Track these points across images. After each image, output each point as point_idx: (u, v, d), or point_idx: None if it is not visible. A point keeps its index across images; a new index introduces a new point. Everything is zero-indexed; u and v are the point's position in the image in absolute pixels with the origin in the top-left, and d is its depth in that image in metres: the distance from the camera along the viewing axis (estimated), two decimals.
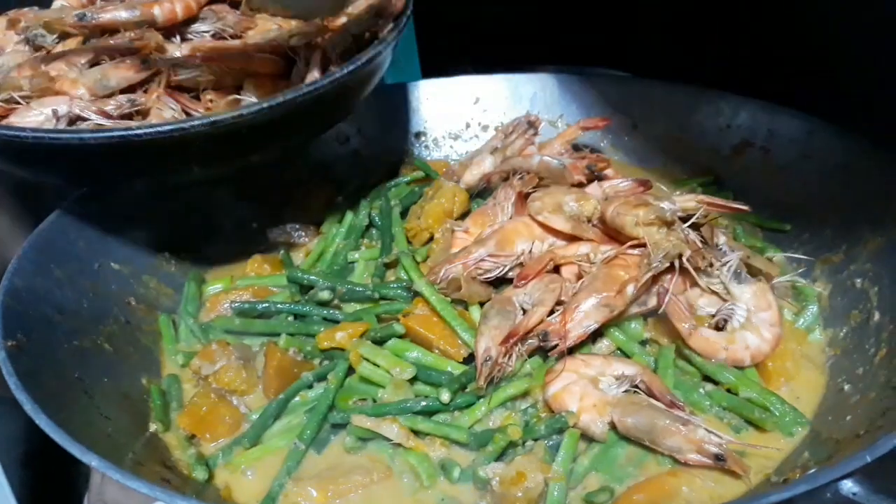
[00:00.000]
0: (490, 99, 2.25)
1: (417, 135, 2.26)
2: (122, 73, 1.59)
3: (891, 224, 1.51)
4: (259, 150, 1.57)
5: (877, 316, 1.44)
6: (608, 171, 1.82)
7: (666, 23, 2.29)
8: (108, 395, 1.35)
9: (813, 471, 1.02)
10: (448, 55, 2.63)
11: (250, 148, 1.53)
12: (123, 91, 1.61)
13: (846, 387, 1.36)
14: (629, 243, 1.42)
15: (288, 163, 2.04)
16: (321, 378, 1.45)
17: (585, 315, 1.36)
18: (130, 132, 1.31)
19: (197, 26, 1.77)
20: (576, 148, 2.01)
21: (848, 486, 0.98)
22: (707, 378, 1.40)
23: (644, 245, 1.39)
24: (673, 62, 2.27)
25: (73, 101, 1.54)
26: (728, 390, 1.36)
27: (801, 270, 1.60)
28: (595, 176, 1.78)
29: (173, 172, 1.56)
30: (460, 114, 2.27)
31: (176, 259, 1.81)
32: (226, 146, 1.46)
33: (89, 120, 1.52)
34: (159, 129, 1.31)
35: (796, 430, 1.30)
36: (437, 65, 2.43)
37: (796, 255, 1.62)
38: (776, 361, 1.41)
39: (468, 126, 2.27)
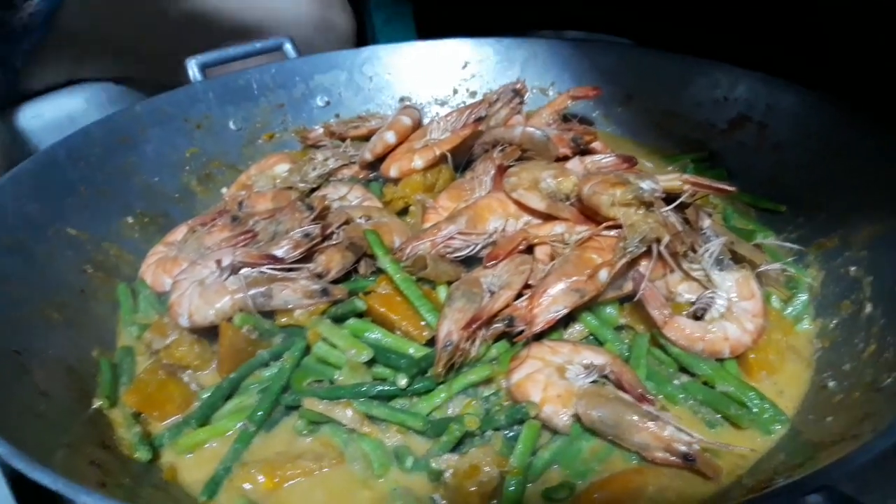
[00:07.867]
0: (479, 64, 2.15)
1: (402, 99, 2.15)
2: None
3: (892, 211, 1.41)
4: None
5: (869, 308, 1.35)
6: (595, 145, 1.73)
7: None
8: (49, 370, 1.28)
9: (780, 483, 0.94)
10: (445, 18, 2.52)
11: None
12: None
13: (831, 383, 1.27)
14: (604, 224, 1.33)
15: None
16: (277, 357, 1.38)
17: (554, 300, 1.27)
18: None
19: None
20: (565, 119, 1.91)
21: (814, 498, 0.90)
22: (684, 369, 1.31)
23: (620, 227, 1.30)
24: (675, 31, 2.15)
25: None
26: (705, 383, 1.28)
27: (793, 258, 1.51)
28: (581, 149, 1.68)
29: None
30: (448, 79, 2.17)
31: (140, 225, 1.74)
32: None
33: None
34: None
35: (775, 429, 1.22)
36: (433, 29, 2.32)
37: (787, 244, 1.52)
38: (759, 353, 1.33)
39: (456, 92, 2.17)
